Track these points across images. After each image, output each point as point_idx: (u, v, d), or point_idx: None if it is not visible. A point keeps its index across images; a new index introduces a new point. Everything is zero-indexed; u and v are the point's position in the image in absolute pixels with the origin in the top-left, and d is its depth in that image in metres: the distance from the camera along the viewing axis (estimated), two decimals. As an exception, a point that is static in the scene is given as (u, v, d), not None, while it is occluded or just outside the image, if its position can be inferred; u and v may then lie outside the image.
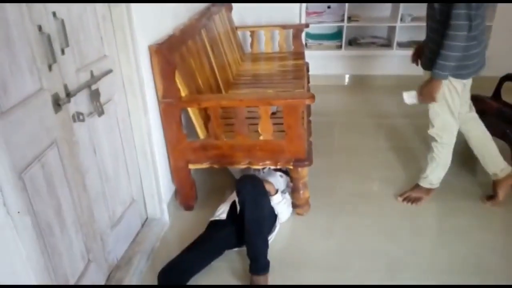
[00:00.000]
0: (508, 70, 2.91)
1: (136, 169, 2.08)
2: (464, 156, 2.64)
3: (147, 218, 2.24)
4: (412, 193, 2.42)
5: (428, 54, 2.08)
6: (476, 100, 2.65)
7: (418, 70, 2.20)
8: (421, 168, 2.46)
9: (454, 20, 1.80)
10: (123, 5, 1.74)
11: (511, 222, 2.25)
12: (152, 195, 2.18)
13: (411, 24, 3.94)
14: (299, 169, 2.16)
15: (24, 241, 1.17)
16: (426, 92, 2.04)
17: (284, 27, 3.68)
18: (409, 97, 2.13)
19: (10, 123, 1.13)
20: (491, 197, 2.38)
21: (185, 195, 2.37)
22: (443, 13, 1.88)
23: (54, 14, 1.36)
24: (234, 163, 2.22)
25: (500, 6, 3.76)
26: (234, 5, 3.72)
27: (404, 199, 2.41)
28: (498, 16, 3.81)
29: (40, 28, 1.28)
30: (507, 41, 3.94)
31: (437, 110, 2.17)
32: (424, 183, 2.40)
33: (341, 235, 2.18)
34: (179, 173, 2.28)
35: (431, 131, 2.25)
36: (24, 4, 1.21)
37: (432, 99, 2.05)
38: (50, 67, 1.33)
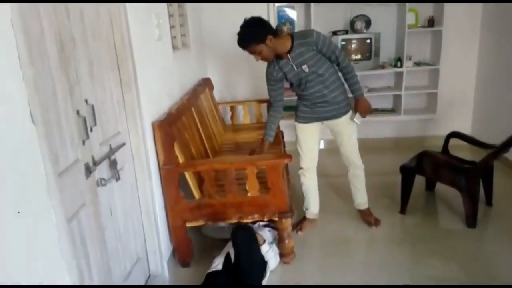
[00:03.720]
0: (452, 128, 3.45)
1: (141, 228, 2.36)
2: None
3: (149, 275, 2.47)
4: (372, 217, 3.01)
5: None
6: (429, 155, 3.12)
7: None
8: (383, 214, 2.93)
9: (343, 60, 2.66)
10: (134, 91, 2.14)
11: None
12: (155, 253, 2.44)
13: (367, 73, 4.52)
14: (283, 220, 2.49)
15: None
16: (367, 109, 2.75)
17: (259, 101, 4.17)
18: (358, 119, 2.76)
19: (62, 184, 1.45)
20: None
21: (183, 253, 2.62)
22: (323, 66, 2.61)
23: (86, 101, 1.74)
24: (226, 219, 2.53)
25: (444, 73, 4.39)
26: (215, 84, 4.24)
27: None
28: (442, 83, 4.45)
29: (78, 112, 1.65)
30: (451, 106, 4.56)
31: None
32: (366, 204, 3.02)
33: (325, 278, 2.46)
34: (177, 232, 2.56)
35: (360, 162, 2.90)
36: (68, 93, 1.58)
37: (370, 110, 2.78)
38: (83, 142, 1.68)
